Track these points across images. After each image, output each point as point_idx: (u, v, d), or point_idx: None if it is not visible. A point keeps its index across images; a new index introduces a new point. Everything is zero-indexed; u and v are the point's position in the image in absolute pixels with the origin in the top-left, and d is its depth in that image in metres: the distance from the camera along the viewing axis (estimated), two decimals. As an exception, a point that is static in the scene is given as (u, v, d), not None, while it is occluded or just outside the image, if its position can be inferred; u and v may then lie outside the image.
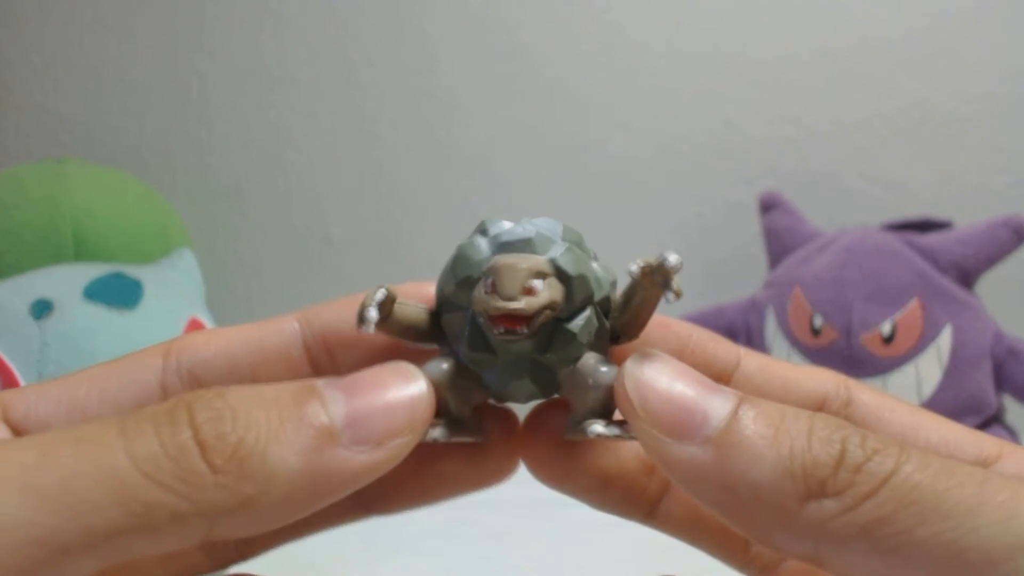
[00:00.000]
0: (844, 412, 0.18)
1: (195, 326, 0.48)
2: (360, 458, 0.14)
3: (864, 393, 0.19)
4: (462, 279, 0.17)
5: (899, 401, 0.19)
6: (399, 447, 0.15)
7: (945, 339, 0.53)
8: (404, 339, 0.17)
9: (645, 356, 0.16)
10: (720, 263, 0.73)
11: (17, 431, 0.17)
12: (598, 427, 0.16)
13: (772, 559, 0.19)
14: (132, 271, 0.48)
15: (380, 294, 0.16)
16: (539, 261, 0.16)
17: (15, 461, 0.12)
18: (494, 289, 0.16)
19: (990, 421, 0.55)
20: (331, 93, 0.74)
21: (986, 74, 0.70)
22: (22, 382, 0.41)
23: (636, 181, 0.73)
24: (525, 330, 0.15)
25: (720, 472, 0.14)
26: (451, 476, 0.18)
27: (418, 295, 0.18)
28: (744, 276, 0.69)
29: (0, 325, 0.42)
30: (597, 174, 0.73)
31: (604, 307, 0.17)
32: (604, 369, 0.16)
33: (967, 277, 0.55)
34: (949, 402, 0.53)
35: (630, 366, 0.15)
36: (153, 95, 0.75)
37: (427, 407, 0.15)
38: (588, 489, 0.18)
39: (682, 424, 0.14)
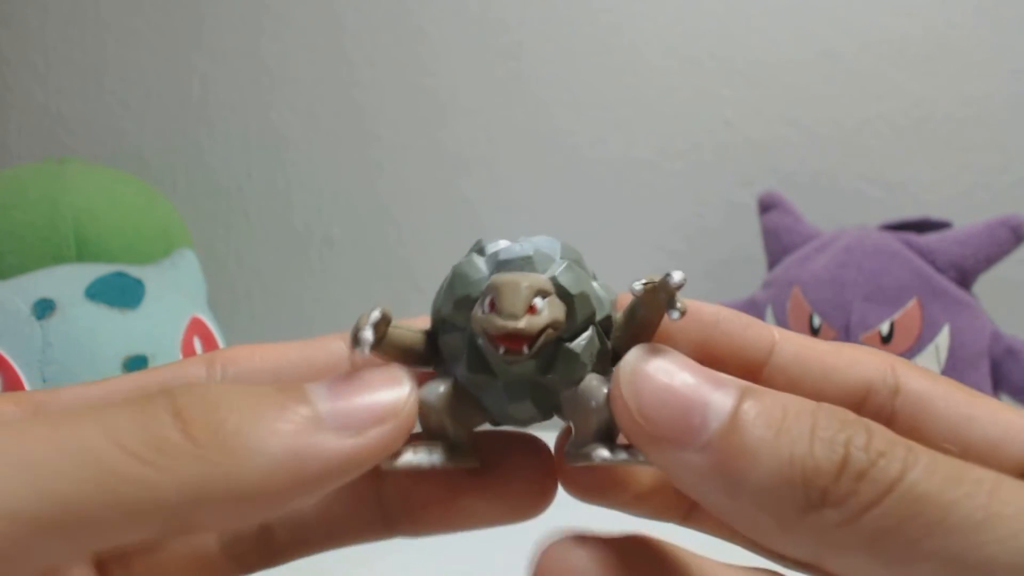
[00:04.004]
0: (891, 404, 0.17)
1: (197, 325, 0.48)
2: (343, 443, 0.14)
3: (914, 379, 0.17)
4: (460, 299, 0.16)
5: (954, 387, 0.17)
6: (382, 435, 0.14)
7: (943, 339, 0.54)
8: (400, 362, 0.16)
9: (639, 355, 0.15)
10: (720, 263, 0.73)
11: None
12: (603, 452, 0.15)
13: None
14: (134, 271, 0.48)
15: (376, 314, 0.15)
16: (540, 279, 0.15)
17: None
18: (494, 308, 0.15)
19: (988, 420, 0.56)
20: (331, 93, 0.74)
21: (986, 74, 0.70)
22: (25, 381, 0.41)
23: (636, 182, 0.73)
24: (527, 351, 0.15)
25: (720, 477, 0.14)
26: (478, 511, 0.17)
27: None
28: (744, 276, 0.70)
29: (2, 325, 0.42)
30: (597, 175, 0.73)
31: (605, 327, 0.16)
32: (606, 390, 0.15)
33: (965, 277, 0.55)
34: (948, 402, 0.54)
35: (624, 368, 0.15)
36: (153, 95, 0.75)
37: (411, 404, 0.15)
38: (627, 503, 0.18)
39: (680, 429, 0.14)
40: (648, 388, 0.14)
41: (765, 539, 0.14)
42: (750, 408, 0.14)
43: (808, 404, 0.14)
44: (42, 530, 0.12)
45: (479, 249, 0.17)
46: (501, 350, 0.15)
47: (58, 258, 0.50)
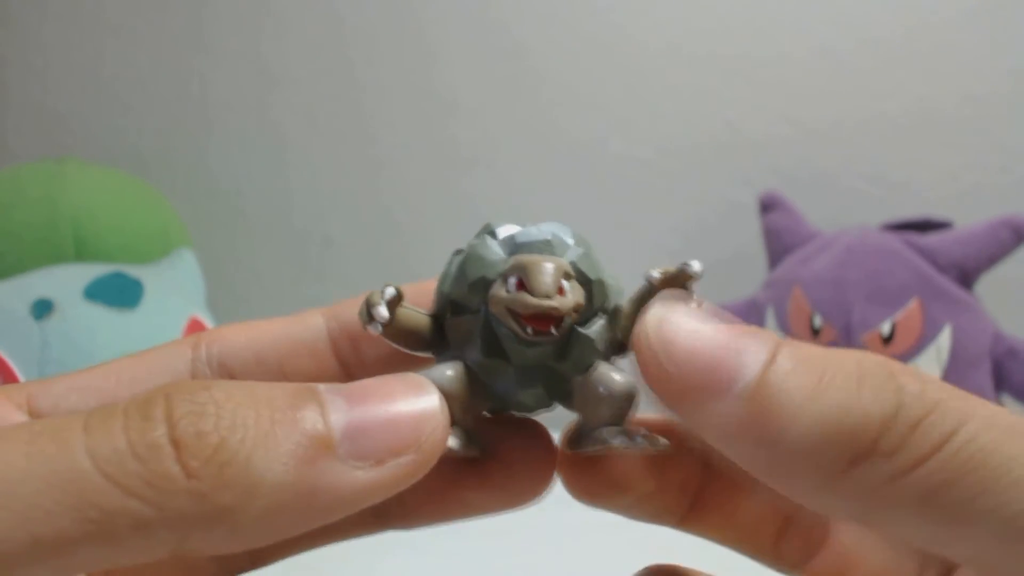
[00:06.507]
0: None
1: (195, 326, 0.48)
2: (357, 475, 0.12)
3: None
4: (475, 280, 0.15)
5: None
6: (402, 468, 0.13)
7: (944, 339, 0.53)
8: (402, 345, 0.16)
9: (666, 301, 0.14)
10: (720, 263, 0.73)
11: None
12: (621, 439, 0.15)
13: (802, 555, 0.18)
14: (132, 271, 0.48)
15: (390, 291, 0.15)
16: (563, 262, 0.15)
17: None
18: (522, 287, 0.15)
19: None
20: (331, 93, 0.74)
21: (986, 74, 0.70)
22: (23, 381, 0.41)
23: (636, 181, 0.73)
24: (555, 331, 0.15)
25: (756, 429, 0.12)
26: (475, 501, 0.17)
27: (426, 294, 0.17)
28: (744, 276, 0.69)
29: (1, 325, 0.42)
30: (597, 174, 0.73)
31: (613, 317, 0.16)
32: (618, 378, 0.15)
33: (967, 277, 0.55)
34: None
35: (651, 315, 0.14)
36: (153, 95, 0.75)
37: (438, 424, 0.13)
38: (627, 506, 0.18)
39: (714, 377, 0.13)
40: (678, 335, 0.13)
41: (804, 497, 0.13)
42: (789, 355, 0.13)
43: (852, 352, 0.13)
44: (14, 564, 0.11)
45: (489, 232, 0.16)
46: (529, 330, 0.15)
47: (57, 258, 0.50)
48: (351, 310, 0.17)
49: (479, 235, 0.16)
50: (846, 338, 0.54)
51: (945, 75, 0.70)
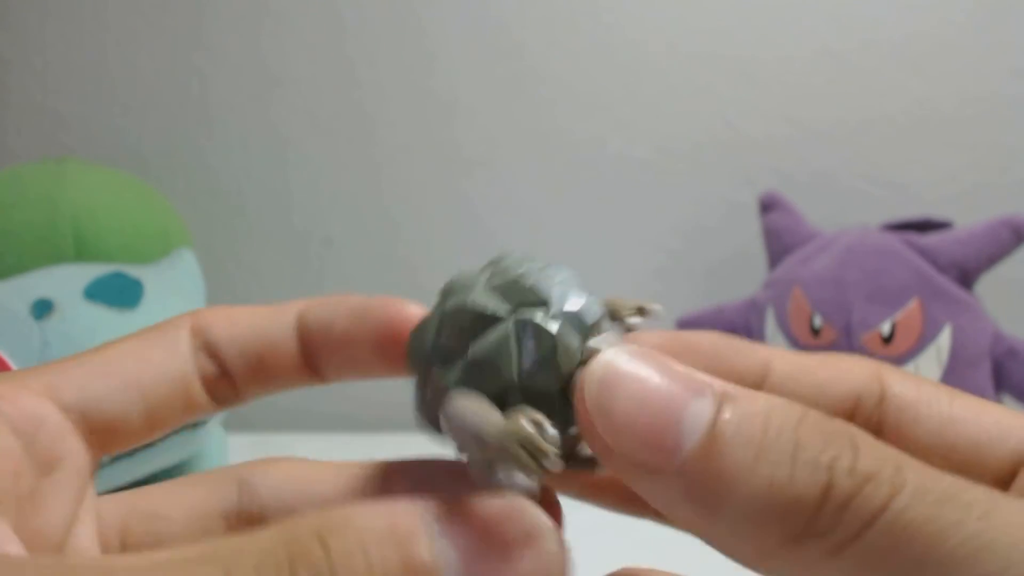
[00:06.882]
0: (877, 412, 0.17)
1: (195, 326, 0.48)
2: None
3: (898, 384, 0.17)
4: (563, 375, 0.15)
5: (938, 390, 0.17)
6: None
7: (944, 339, 0.53)
8: None
9: (606, 362, 0.13)
10: (720, 263, 0.73)
11: (75, 412, 0.16)
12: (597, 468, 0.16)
13: None
14: (132, 271, 0.48)
15: (553, 436, 0.13)
16: None
17: None
18: None
19: (990, 421, 0.55)
20: (331, 93, 0.74)
21: (986, 74, 0.70)
22: (34, 366, 0.41)
23: (635, 181, 0.73)
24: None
25: (695, 502, 0.13)
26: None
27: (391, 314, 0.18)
28: (744, 276, 0.69)
29: (1, 325, 0.42)
30: (597, 174, 0.73)
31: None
32: None
33: (967, 277, 0.55)
34: (949, 402, 0.53)
35: (590, 378, 0.13)
36: (153, 95, 0.75)
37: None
38: (585, 493, 0.18)
39: (652, 451, 0.13)
40: (616, 402, 0.13)
41: (745, 564, 0.13)
42: (729, 422, 0.13)
43: (793, 414, 0.13)
44: None
45: (538, 303, 0.16)
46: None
47: (57, 258, 0.50)
48: (321, 310, 0.18)
49: (528, 308, 0.16)
50: (846, 338, 0.54)
51: (945, 75, 0.70)
